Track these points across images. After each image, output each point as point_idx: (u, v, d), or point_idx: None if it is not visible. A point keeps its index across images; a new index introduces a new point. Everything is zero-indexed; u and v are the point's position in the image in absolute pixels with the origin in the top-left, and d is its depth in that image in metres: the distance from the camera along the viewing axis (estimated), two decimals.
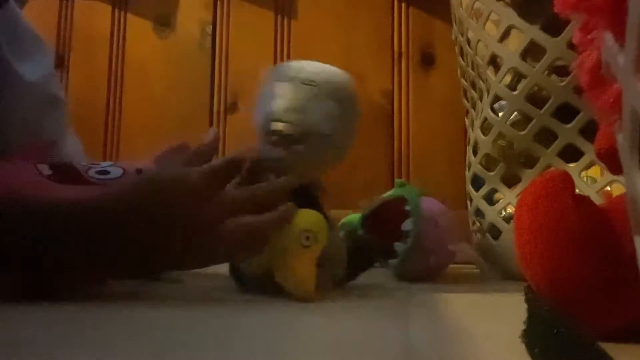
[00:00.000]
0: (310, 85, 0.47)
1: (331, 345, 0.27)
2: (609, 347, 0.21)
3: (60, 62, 1.31)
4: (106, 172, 0.46)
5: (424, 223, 0.60)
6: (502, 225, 0.65)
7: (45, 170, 0.45)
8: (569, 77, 0.57)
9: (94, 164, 0.47)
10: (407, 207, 0.61)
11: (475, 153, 0.69)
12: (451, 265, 0.66)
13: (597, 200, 0.54)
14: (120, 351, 0.24)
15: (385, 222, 0.65)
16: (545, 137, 0.61)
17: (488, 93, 0.66)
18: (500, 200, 0.66)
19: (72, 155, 0.57)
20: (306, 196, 0.46)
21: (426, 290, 0.54)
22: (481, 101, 0.69)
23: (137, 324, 0.31)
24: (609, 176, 0.57)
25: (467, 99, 0.76)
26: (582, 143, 0.58)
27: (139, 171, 0.47)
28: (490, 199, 0.69)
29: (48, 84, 0.59)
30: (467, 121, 0.77)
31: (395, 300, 0.47)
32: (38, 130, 0.56)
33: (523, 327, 0.25)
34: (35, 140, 0.51)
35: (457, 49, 0.75)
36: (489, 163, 0.68)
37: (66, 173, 0.45)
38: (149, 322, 0.32)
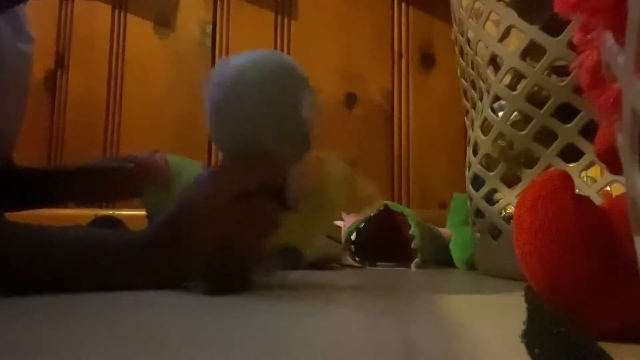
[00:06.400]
0: None
1: (331, 346, 0.27)
2: (609, 347, 0.21)
3: (60, 62, 1.31)
4: None
5: None
6: (502, 225, 0.65)
7: None
8: (569, 77, 0.57)
9: None
10: (411, 232, 0.76)
11: (475, 153, 0.69)
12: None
13: (597, 200, 0.54)
14: (121, 351, 0.24)
15: (388, 227, 0.68)
16: (545, 137, 0.61)
17: (488, 93, 0.66)
18: (500, 200, 0.66)
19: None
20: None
21: (426, 291, 0.54)
22: (481, 101, 0.69)
23: (140, 324, 0.31)
24: (609, 176, 0.57)
25: (467, 99, 0.75)
26: (582, 143, 0.58)
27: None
28: (490, 199, 0.69)
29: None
30: (467, 121, 0.77)
31: (395, 300, 0.47)
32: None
33: (523, 327, 0.25)
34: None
35: (457, 49, 0.75)
36: (489, 163, 0.68)
37: None
38: (152, 323, 0.32)
